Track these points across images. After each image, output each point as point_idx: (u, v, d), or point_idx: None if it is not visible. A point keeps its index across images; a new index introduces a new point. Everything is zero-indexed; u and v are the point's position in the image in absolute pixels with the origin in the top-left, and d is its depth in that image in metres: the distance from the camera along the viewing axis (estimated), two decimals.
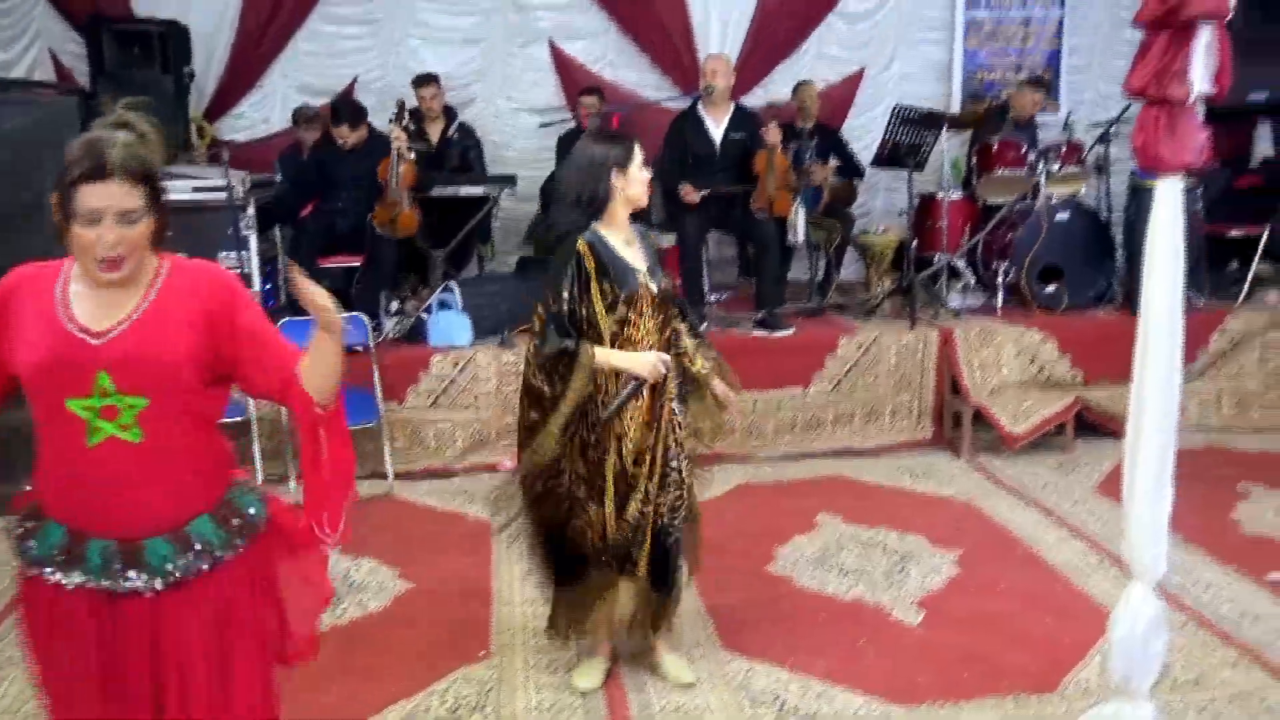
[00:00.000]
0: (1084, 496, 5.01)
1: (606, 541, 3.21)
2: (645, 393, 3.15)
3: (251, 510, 2.08)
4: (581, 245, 3.08)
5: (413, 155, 5.86)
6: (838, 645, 3.59)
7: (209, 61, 7.09)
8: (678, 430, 3.25)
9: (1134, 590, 2.72)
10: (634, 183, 3.13)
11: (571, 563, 3.29)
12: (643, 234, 3.25)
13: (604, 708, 3.23)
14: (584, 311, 3.07)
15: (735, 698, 3.27)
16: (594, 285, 3.06)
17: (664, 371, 3.10)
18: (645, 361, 3.08)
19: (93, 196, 1.84)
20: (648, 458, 3.19)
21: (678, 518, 3.29)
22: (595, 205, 3.12)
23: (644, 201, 3.15)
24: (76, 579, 1.95)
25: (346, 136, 5.96)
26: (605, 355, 3.06)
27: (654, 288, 3.13)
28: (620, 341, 3.11)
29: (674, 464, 3.24)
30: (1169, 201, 2.45)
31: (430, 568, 4.32)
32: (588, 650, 3.43)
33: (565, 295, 3.05)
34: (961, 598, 3.96)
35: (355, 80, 7.37)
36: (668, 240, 6.08)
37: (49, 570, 1.96)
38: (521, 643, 3.63)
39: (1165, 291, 2.49)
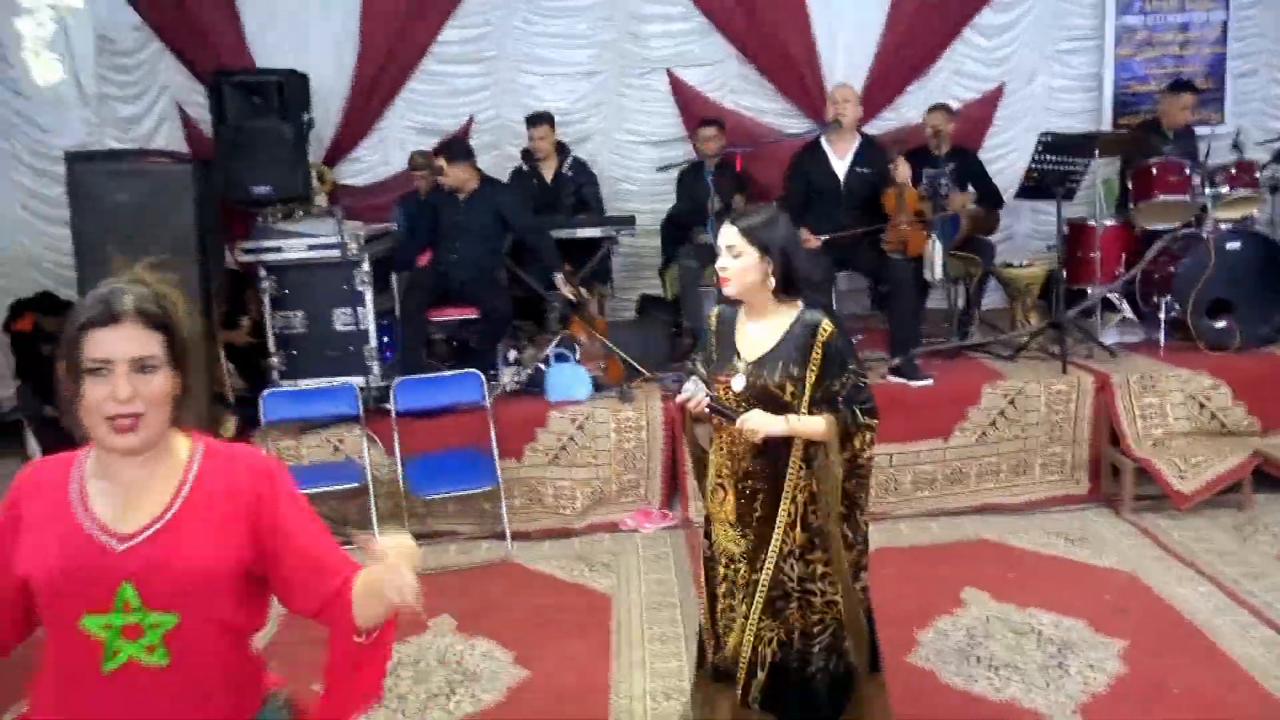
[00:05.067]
0: (1267, 568, 4.48)
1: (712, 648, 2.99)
2: (729, 488, 2.87)
3: None
4: (715, 310, 2.99)
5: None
6: None
7: (327, 108, 7.06)
8: (800, 541, 2.85)
9: None
10: None
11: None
12: (803, 323, 2.81)
13: None
14: None
15: None
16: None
17: (688, 397, 2.77)
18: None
19: (102, 343, 1.60)
20: (740, 568, 2.89)
21: (813, 649, 2.90)
22: None
23: (726, 290, 2.84)
24: None
25: (445, 174, 5.77)
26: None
27: (738, 383, 2.80)
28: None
29: (787, 586, 2.86)
30: None
31: (547, 651, 4.10)
32: None
33: (698, 355, 3.01)
34: (1129, 703, 3.52)
35: (471, 119, 7.26)
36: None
37: None
38: None
39: None
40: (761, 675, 2.88)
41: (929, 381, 5.44)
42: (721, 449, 2.89)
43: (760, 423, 2.72)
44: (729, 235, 2.80)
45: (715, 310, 2.94)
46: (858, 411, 2.78)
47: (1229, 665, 3.72)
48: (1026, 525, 5.12)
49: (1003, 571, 4.59)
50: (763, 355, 2.81)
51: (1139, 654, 3.81)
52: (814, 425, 2.76)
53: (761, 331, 2.83)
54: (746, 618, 2.88)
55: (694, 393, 2.74)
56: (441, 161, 5.76)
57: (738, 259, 2.78)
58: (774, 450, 2.81)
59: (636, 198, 7.23)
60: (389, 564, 1.66)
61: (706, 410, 2.76)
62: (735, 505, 2.87)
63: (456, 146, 5.95)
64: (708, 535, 3.02)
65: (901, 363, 5.50)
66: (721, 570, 2.95)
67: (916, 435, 5.34)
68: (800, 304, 2.85)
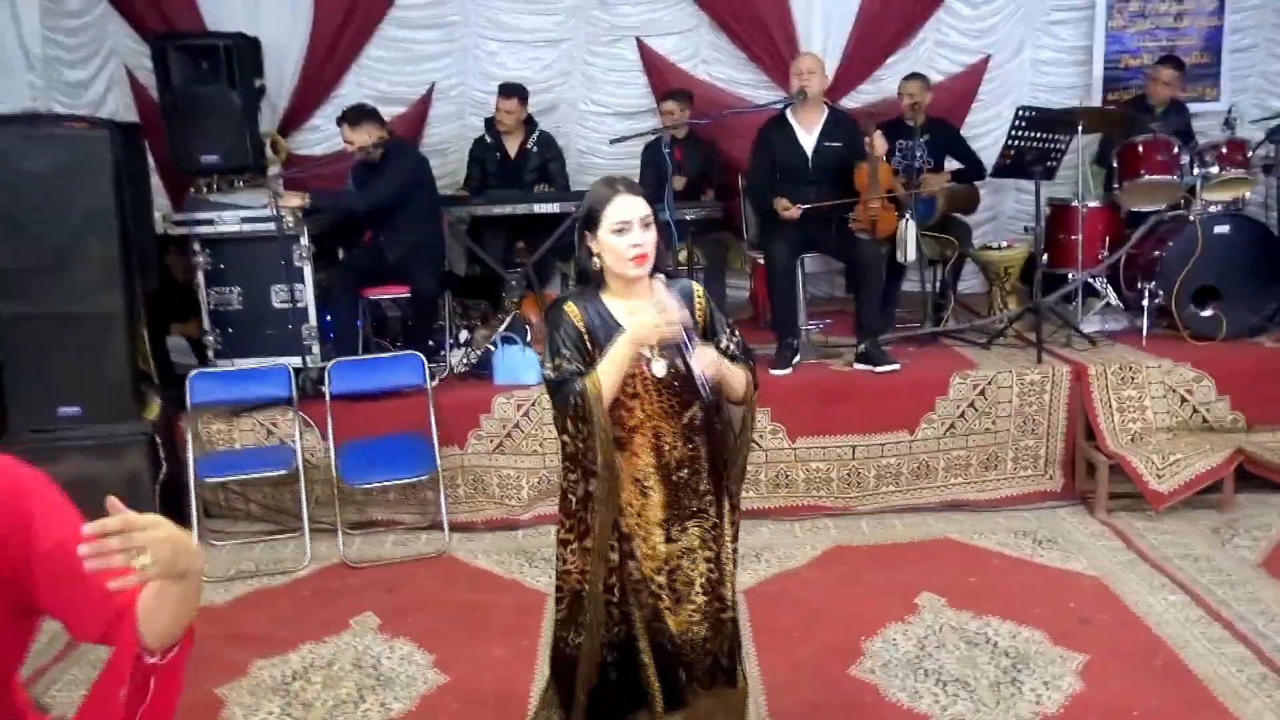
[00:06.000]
0: (1245, 577, 4.19)
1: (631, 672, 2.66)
2: (655, 486, 2.56)
3: None
4: (570, 306, 2.55)
5: None
6: None
7: (281, 74, 6.76)
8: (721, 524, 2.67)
9: None
10: (606, 250, 2.50)
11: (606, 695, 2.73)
12: (678, 292, 2.57)
13: None
14: None
15: None
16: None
17: (667, 325, 2.40)
18: (638, 334, 2.43)
19: None
20: (679, 565, 2.62)
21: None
22: (584, 275, 2.59)
23: (628, 273, 2.48)
24: None
25: (351, 140, 5.39)
26: (604, 369, 2.44)
27: (658, 369, 2.51)
28: (615, 429, 2.52)
29: (714, 570, 2.65)
30: None
31: (469, 655, 3.84)
32: None
33: (560, 355, 2.49)
34: None
35: (433, 87, 6.96)
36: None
37: None
38: None
39: None
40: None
41: (896, 366, 5.14)
42: (635, 449, 2.56)
43: (713, 356, 2.48)
44: (640, 206, 2.50)
45: (571, 305, 2.56)
46: (752, 366, 2.66)
47: (1196, 684, 3.44)
48: (994, 524, 4.84)
49: (963, 575, 4.32)
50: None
51: (1099, 670, 3.54)
52: (736, 371, 2.58)
53: (644, 312, 2.52)
54: (706, 614, 2.65)
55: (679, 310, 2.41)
56: (345, 129, 5.42)
57: (649, 230, 2.50)
58: (701, 427, 2.60)
59: (603, 172, 6.86)
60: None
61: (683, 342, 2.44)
62: (666, 502, 2.59)
63: (354, 110, 5.52)
64: (614, 564, 2.61)
65: (868, 348, 5.20)
66: (661, 580, 2.61)
67: (881, 427, 5.05)
68: (660, 276, 2.59)
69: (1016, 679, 3.50)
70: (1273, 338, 5.45)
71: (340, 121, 5.48)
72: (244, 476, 4.83)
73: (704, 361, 2.45)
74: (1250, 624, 3.79)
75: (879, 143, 5.22)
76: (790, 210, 5.19)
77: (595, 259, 2.53)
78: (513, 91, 6.32)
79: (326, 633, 4.05)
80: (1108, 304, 5.82)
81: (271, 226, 5.14)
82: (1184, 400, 5.02)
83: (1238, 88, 6.83)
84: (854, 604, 4.10)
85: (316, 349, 5.29)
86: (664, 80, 6.83)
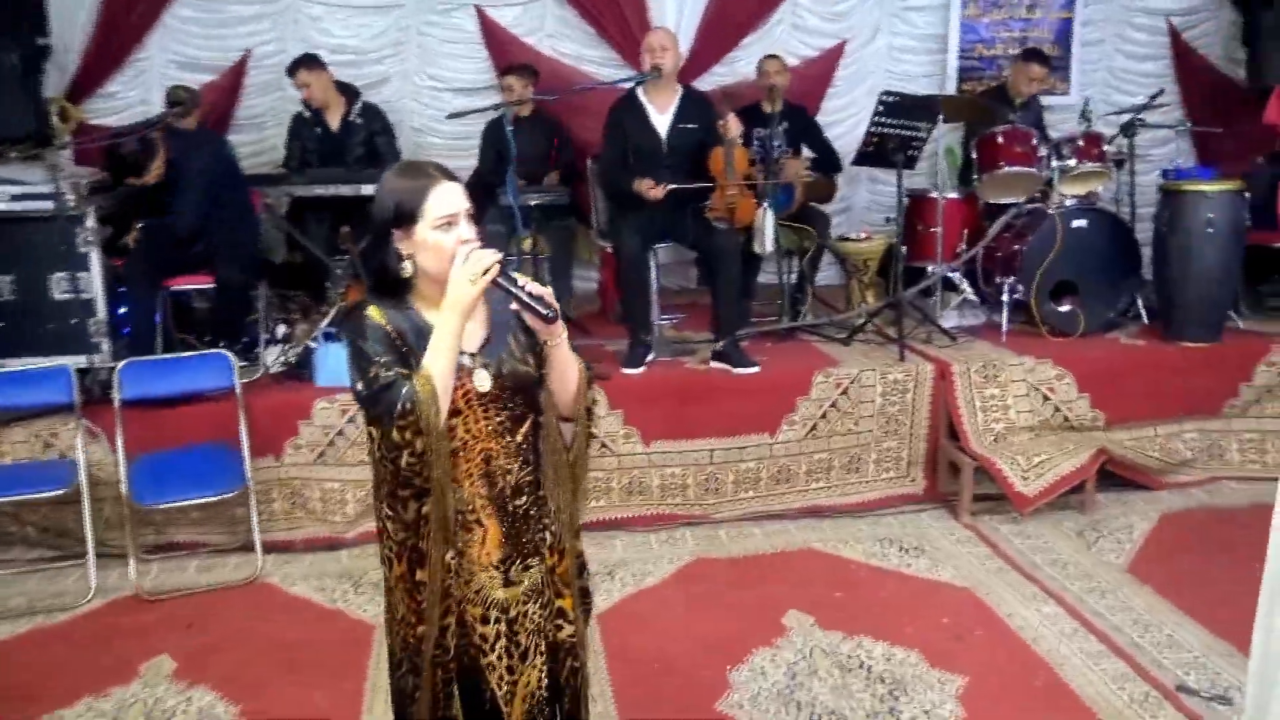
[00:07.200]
0: (1115, 583, 4.04)
1: None
2: (487, 519, 2.12)
3: None
4: (372, 310, 2.04)
5: None
6: None
7: (70, 32, 5.96)
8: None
9: None
10: (428, 250, 2.03)
11: None
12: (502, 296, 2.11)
13: None
14: None
15: None
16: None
17: (481, 268, 1.96)
18: (458, 295, 1.96)
19: None
20: (526, 610, 2.19)
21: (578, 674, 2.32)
22: (384, 284, 2.08)
23: (453, 277, 1.98)
24: None
25: (146, 182, 4.95)
26: (432, 360, 1.97)
27: (482, 381, 2.07)
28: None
29: (554, 625, 2.26)
30: None
31: (283, 704, 3.33)
32: None
33: (375, 364, 1.98)
34: None
35: (248, 54, 6.28)
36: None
37: None
38: None
39: None
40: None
41: (755, 369, 4.83)
42: (457, 477, 2.09)
43: (542, 289, 2.03)
44: (464, 196, 2.05)
45: (374, 310, 2.05)
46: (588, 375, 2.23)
47: (1079, 708, 3.23)
48: (857, 531, 4.60)
49: (830, 589, 4.04)
50: (484, 341, 2.11)
51: (980, 694, 3.29)
52: (571, 356, 2.15)
53: (457, 283, 2.03)
54: (555, 662, 2.26)
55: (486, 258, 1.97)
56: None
57: (472, 224, 2.06)
58: (534, 445, 2.17)
59: (444, 153, 6.36)
60: None
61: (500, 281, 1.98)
62: (502, 536, 2.14)
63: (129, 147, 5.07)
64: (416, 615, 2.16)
65: (725, 346, 4.87)
66: (488, 631, 2.18)
67: (741, 429, 4.74)
68: None
69: (895, 709, 3.22)
70: (1127, 334, 5.40)
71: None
72: (15, 498, 4.14)
73: (535, 286, 2.02)
74: (1125, 635, 3.63)
75: (733, 124, 4.89)
76: (655, 190, 4.82)
77: (407, 263, 2.05)
78: (296, 65, 5.64)
79: (111, 682, 3.48)
80: (965, 299, 5.67)
81: (50, 205, 4.44)
82: (1046, 399, 4.88)
83: (1086, 81, 6.82)
84: (717, 627, 3.76)
85: (106, 346, 4.63)
86: (506, 54, 6.34)
